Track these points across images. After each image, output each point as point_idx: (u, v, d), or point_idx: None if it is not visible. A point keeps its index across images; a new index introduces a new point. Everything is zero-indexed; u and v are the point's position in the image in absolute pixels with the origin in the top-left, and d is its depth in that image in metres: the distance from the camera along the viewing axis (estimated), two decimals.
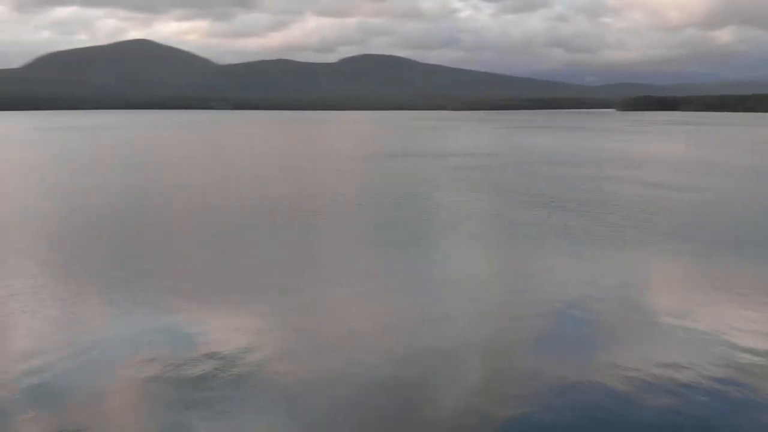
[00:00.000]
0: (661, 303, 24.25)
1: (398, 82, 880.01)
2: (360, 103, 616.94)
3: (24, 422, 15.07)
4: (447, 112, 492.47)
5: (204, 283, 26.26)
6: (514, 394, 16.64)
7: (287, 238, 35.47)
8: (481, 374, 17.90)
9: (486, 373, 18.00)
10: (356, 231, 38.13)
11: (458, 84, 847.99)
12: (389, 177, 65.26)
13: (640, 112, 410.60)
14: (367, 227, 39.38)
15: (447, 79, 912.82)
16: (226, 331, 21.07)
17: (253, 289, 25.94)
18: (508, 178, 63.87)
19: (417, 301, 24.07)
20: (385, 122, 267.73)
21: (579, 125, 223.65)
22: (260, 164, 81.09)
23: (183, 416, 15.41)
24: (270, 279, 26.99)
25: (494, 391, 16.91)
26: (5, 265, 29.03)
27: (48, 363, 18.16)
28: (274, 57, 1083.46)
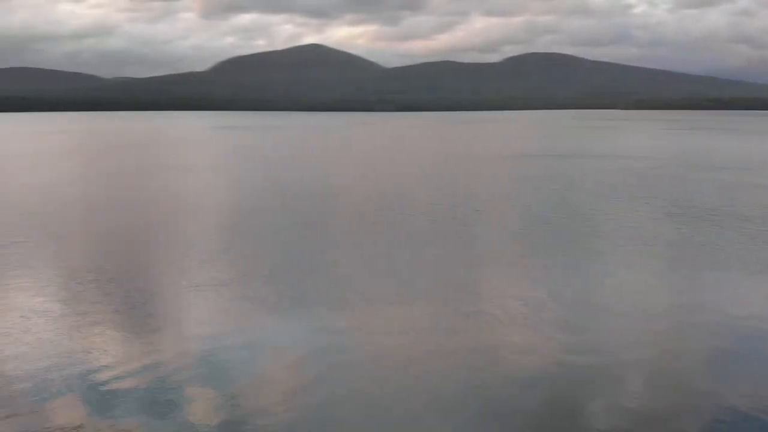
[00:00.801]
0: None
1: (565, 81, 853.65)
2: (525, 102, 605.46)
3: (191, 400, 17.05)
4: (617, 111, 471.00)
5: (355, 282, 26.57)
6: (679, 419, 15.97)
7: (437, 240, 35.11)
8: (638, 393, 17.36)
9: (644, 392, 17.37)
10: (491, 237, 37.01)
11: (630, 82, 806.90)
12: (530, 179, 62.93)
13: None
14: (499, 234, 38.02)
15: (618, 77, 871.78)
16: (380, 328, 21.97)
17: (412, 289, 26.08)
18: (659, 184, 59.47)
19: (555, 318, 22.79)
20: (546, 122, 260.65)
21: (762, 128, 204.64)
22: (406, 165, 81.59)
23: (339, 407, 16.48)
24: (422, 281, 26.85)
25: (652, 412, 16.29)
26: (172, 256, 31.48)
27: (213, 348, 20.35)
28: (438, 59, 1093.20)
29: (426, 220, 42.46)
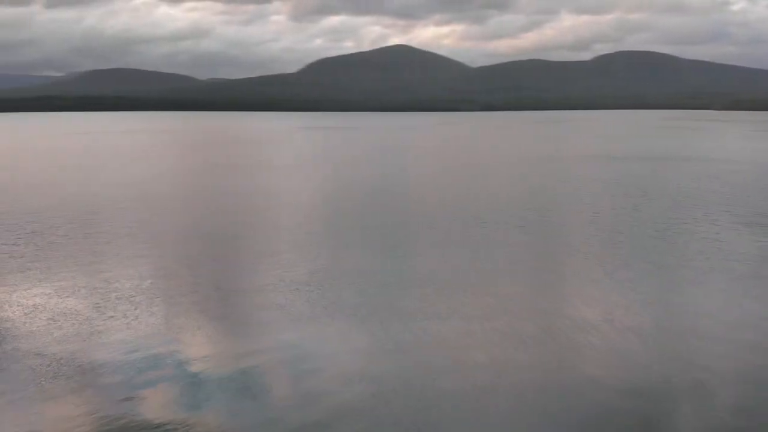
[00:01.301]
0: None
1: (658, 80, 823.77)
2: (614, 101, 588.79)
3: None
4: (712, 111, 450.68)
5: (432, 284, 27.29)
6: None
7: (507, 242, 34.94)
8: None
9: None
10: (556, 248, 36.86)
11: (727, 81, 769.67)
12: (605, 183, 60.91)
13: None
14: (564, 245, 37.57)
15: (714, 76, 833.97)
16: (475, 330, 23.46)
17: (476, 301, 26.38)
18: (742, 191, 57.53)
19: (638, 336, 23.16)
20: (634, 122, 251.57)
21: None
22: (482, 166, 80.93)
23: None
24: (478, 292, 27.09)
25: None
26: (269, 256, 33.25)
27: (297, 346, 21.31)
28: (526, 57, 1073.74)
29: (494, 225, 42.49)
